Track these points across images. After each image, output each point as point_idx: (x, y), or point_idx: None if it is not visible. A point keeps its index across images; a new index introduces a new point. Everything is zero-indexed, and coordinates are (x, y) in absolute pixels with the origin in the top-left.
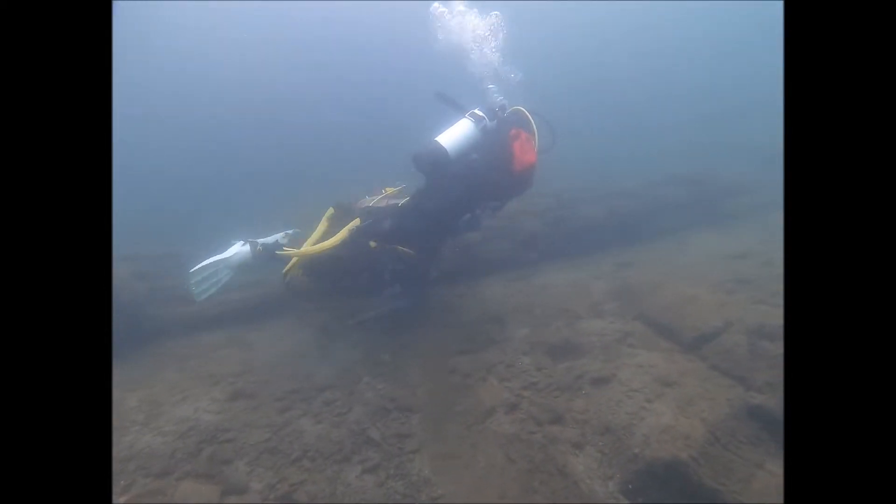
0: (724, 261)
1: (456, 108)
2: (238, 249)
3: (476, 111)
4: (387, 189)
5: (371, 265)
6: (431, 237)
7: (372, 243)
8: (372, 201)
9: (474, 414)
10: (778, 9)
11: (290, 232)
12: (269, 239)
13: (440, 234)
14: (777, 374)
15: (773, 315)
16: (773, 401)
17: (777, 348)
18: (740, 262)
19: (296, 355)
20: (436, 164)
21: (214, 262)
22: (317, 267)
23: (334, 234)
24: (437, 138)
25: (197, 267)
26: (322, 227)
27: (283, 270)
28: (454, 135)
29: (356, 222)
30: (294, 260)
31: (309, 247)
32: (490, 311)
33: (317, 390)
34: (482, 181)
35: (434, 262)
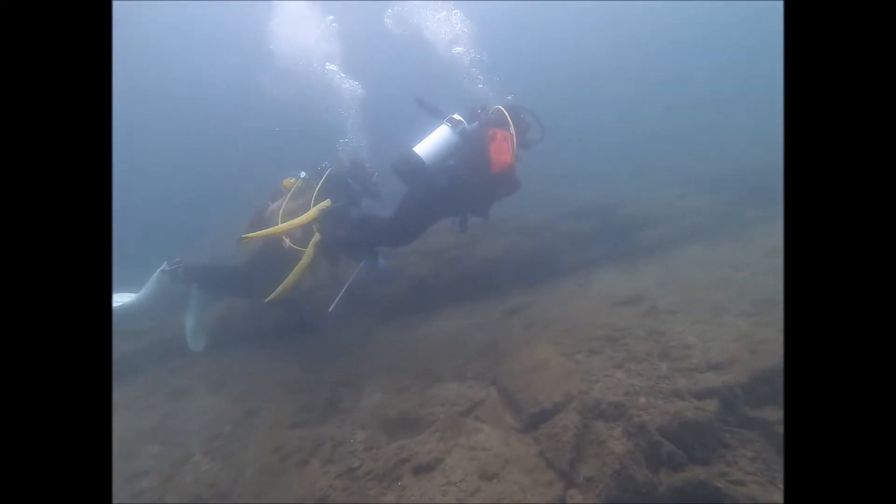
0: (609, 308)
1: (435, 114)
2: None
3: (454, 116)
4: (285, 182)
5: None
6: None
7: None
8: (281, 203)
9: None
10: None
11: (166, 267)
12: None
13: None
14: (601, 466)
15: (620, 386)
16: (590, 499)
17: (609, 430)
18: (625, 310)
19: (130, 429)
20: (413, 173)
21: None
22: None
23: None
24: (414, 147)
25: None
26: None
27: (266, 300)
28: (431, 142)
29: (327, 203)
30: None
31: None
32: (351, 370)
33: (131, 476)
34: (462, 186)
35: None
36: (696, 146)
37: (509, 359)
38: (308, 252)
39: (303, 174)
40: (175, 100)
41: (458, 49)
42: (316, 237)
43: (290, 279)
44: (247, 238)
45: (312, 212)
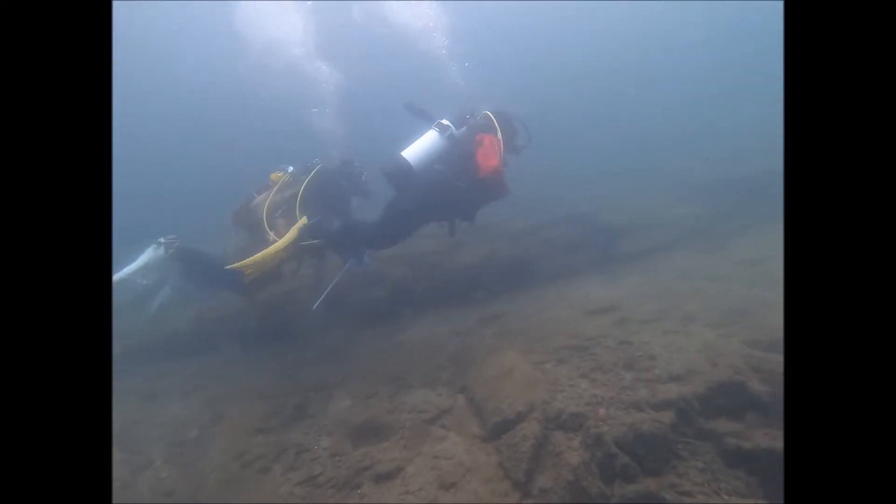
0: (583, 317)
1: (424, 119)
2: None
3: (442, 121)
4: (273, 175)
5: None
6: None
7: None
8: (268, 196)
9: None
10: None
11: (161, 240)
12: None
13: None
14: (556, 478)
15: (583, 396)
16: None
17: (567, 441)
18: (598, 319)
19: None
20: (401, 177)
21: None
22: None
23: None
24: (402, 152)
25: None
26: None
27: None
28: (419, 147)
29: (303, 221)
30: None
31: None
32: (325, 375)
33: None
34: (449, 190)
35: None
36: (695, 147)
37: (480, 366)
38: (290, 233)
39: (290, 168)
40: (170, 98)
41: (434, 30)
42: (302, 220)
43: (267, 253)
44: (235, 267)
45: (292, 232)
